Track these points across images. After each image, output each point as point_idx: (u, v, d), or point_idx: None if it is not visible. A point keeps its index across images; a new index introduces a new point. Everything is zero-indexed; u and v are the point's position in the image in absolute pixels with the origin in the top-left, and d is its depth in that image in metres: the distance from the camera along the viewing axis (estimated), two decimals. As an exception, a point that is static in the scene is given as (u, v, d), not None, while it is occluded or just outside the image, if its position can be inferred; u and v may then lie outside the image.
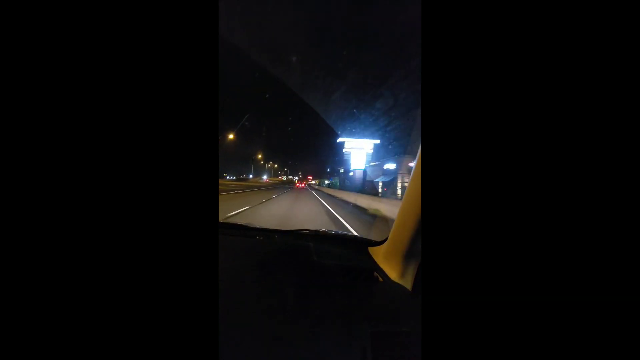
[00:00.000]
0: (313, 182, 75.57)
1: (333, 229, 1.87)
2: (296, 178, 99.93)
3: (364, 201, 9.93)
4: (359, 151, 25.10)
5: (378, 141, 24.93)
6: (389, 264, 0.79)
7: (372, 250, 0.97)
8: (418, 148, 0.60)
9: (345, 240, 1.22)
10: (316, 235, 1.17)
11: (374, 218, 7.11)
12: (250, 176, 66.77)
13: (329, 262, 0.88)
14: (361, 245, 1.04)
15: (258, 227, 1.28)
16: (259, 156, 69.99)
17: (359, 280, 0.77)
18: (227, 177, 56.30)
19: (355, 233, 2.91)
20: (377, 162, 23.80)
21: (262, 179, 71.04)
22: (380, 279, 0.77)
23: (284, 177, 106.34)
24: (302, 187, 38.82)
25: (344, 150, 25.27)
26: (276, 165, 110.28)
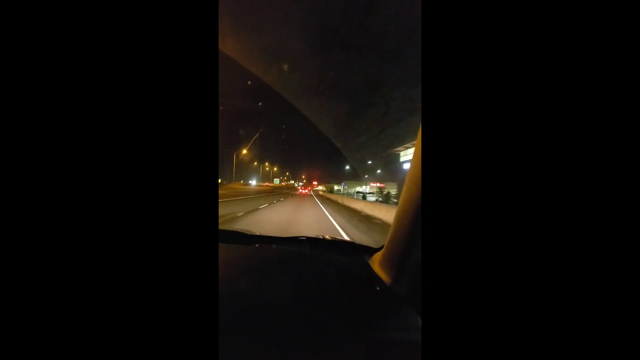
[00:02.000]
0: (319, 187, 62.27)
1: (332, 236, 1.31)
2: (300, 184, 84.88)
3: None
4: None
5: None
6: (385, 270, 0.79)
7: (369, 258, 0.97)
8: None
9: (343, 247, 1.20)
10: (314, 243, 1.19)
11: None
12: (258, 183, 50.98)
13: (326, 269, 0.88)
14: (358, 252, 1.06)
15: (257, 234, 1.28)
16: (244, 152, 53.71)
17: (356, 287, 0.77)
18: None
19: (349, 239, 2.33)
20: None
21: (248, 184, 54.95)
22: (377, 287, 0.77)
23: (281, 182, 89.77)
24: (306, 194, 30.83)
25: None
26: (275, 169, 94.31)
